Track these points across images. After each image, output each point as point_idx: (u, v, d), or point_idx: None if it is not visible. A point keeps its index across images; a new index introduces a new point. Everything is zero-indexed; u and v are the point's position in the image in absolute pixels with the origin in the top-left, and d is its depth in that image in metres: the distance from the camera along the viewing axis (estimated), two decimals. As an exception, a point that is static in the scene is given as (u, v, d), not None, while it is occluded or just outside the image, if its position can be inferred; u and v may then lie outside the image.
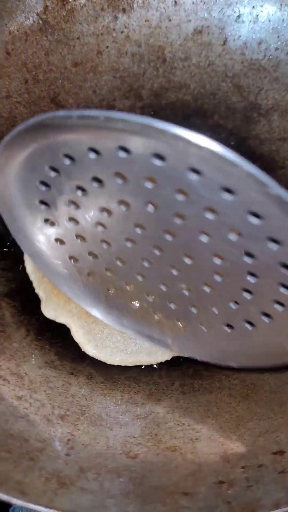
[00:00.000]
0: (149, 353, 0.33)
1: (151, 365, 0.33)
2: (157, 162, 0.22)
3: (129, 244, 0.27)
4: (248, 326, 0.27)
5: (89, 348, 0.34)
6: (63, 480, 0.23)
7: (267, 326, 0.25)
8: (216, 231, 0.23)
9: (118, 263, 0.28)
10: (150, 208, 0.24)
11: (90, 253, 0.29)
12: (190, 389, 0.32)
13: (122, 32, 0.44)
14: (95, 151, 0.23)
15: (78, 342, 0.34)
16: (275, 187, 0.20)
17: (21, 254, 0.37)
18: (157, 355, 0.33)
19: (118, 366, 0.33)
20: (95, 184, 0.24)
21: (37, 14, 0.42)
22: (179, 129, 0.20)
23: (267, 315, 0.25)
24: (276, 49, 0.43)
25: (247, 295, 0.25)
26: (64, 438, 0.27)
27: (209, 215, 0.22)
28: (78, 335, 0.34)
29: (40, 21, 0.43)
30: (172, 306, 0.29)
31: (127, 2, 0.44)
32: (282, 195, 0.20)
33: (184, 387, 0.32)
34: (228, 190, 0.21)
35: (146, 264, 0.27)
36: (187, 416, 0.29)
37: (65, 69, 0.44)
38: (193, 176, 0.21)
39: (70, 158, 0.24)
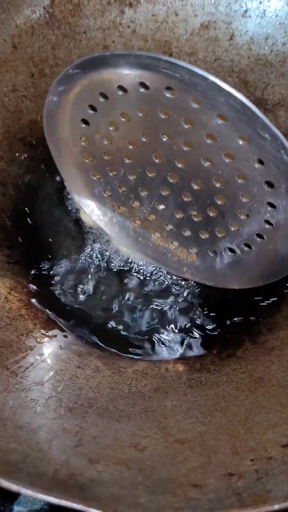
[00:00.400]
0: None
1: (158, 360, 0.33)
2: (169, 94, 0.27)
3: (149, 174, 0.33)
4: (246, 248, 0.32)
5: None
6: (72, 471, 0.23)
7: (260, 246, 0.32)
8: (215, 155, 0.29)
9: (143, 193, 0.34)
10: (166, 138, 0.30)
11: (120, 187, 0.35)
12: (197, 383, 0.32)
13: (128, 26, 0.44)
14: (123, 89, 0.29)
15: None
16: (258, 113, 0.26)
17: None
18: None
19: (125, 359, 0.33)
20: (122, 119, 0.31)
21: (44, 8, 0.42)
22: (184, 63, 0.26)
23: (260, 236, 0.31)
24: (284, 44, 0.43)
25: (244, 218, 0.31)
26: (72, 430, 0.27)
27: (209, 141, 0.28)
28: None
29: (47, 15, 0.42)
30: (186, 233, 0.35)
31: (134, -4, 0.44)
32: (264, 120, 0.26)
33: (192, 381, 0.32)
34: (222, 117, 0.27)
35: (163, 193, 0.33)
36: (194, 410, 0.29)
37: (71, 63, 0.43)
38: (195, 105, 0.27)
39: (104, 96, 0.30)
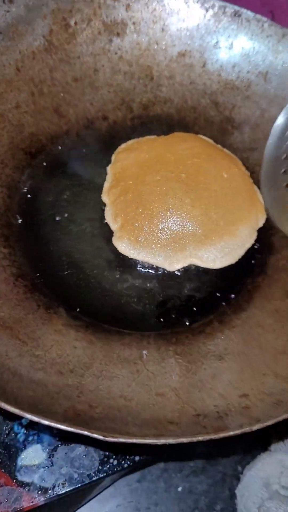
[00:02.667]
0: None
1: (142, 334, 0.40)
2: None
3: None
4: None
5: (219, 263, 0.45)
6: (78, 412, 0.30)
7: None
8: None
9: None
10: None
11: None
12: (173, 353, 0.39)
13: (116, 53, 0.51)
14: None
15: (208, 266, 0.45)
16: None
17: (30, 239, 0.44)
18: None
19: (115, 334, 0.40)
20: None
21: (43, 36, 0.49)
22: None
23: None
24: (248, 71, 0.50)
25: None
26: (74, 385, 0.33)
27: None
28: (206, 260, 0.45)
29: (46, 42, 0.49)
30: None
31: (121, 28, 0.51)
32: None
33: (169, 351, 0.39)
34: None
35: None
36: (171, 372, 0.36)
37: (66, 84, 0.50)
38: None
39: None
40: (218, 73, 0.51)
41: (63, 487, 0.41)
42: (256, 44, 0.49)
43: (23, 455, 0.42)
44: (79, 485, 0.41)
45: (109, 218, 0.46)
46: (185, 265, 0.44)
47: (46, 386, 0.32)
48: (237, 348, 0.38)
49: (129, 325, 0.41)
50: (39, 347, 0.36)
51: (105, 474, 0.42)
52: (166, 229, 0.44)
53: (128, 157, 0.48)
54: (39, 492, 0.41)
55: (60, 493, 0.41)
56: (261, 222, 0.47)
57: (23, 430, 0.43)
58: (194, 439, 0.28)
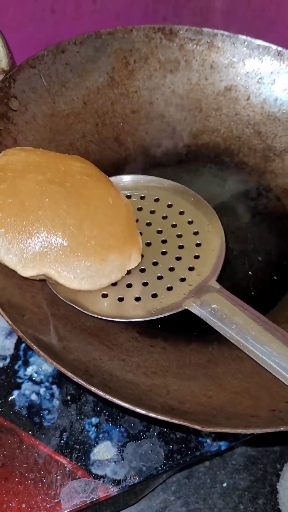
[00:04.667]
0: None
1: (206, 340, 0.46)
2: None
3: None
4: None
5: (76, 284, 0.41)
6: (171, 407, 0.35)
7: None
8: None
9: None
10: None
11: None
12: (236, 357, 0.44)
13: (169, 87, 0.57)
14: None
15: (64, 284, 0.40)
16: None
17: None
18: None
19: (182, 340, 0.45)
20: None
21: (107, 73, 0.54)
22: None
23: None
24: (289, 105, 0.56)
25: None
26: (160, 385, 0.38)
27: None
28: (64, 276, 0.40)
29: (109, 78, 0.55)
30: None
31: (174, 65, 0.56)
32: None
33: (232, 355, 0.44)
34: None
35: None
36: (238, 373, 0.41)
37: (125, 115, 0.55)
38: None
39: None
40: (261, 105, 0.56)
41: (134, 479, 0.46)
42: (296, 80, 0.55)
43: (95, 450, 0.47)
44: (148, 476, 0.46)
45: None
46: (40, 273, 0.40)
47: (139, 385, 0.37)
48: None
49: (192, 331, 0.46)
50: (123, 352, 0.41)
51: (170, 467, 0.47)
52: (30, 229, 0.40)
53: (18, 154, 0.44)
54: (113, 483, 0.46)
55: (131, 484, 0.46)
56: (133, 263, 0.46)
57: (93, 429, 0.48)
58: (277, 429, 0.33)
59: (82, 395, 0.49)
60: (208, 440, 0.47)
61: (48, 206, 0.40)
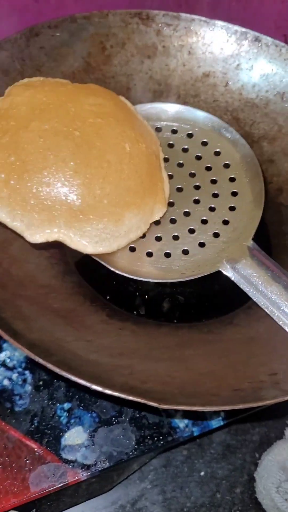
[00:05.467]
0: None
1: (177, 326, 0.45)
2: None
3: None
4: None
5: (91, 249, 0.38)
6: (131, 386, 0.35)
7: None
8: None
9: None
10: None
11: None
12: (206, 341, 0.44)
13: (146, 73, 0.56)
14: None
15: (77, 249, 0.38)
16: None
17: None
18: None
19: (152, 325, 0.45)
20: None
21: (82, 58, 0.54)
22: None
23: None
24: (266, 91, 0.55)
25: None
26: (125, 365, 0.38)
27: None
28: (76, 241, 0.38)
29: (85, 63, 0.54)
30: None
31: (151, 51, 0.56)
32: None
33: (202, 339, 0.44)
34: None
35: None
36: (206, 356, 0.41)
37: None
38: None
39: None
40: (239, 92, 0.56)
41: (103, 463, 0.46)
42: (274, 67, 0.54)
43: (66, 435, 0.47)
44: (118, 461, 0.46)
45: None
46: (50, 240, 0.38)
47: (101, 365, 0.37)
48: (263, 335, 0.43)
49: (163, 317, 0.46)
50: (90, 334, 0.41)
51: (142, 452, 0.46)
52: (35, 191, 0.37)
53: (22, 94, 0.40)
54: (82, 468, 0.45)
55: (101, 469, 0.45)
56: (157, 215, 0.42)
57: (65, 414, 0.47)
58: (235, 407, 0.32)
59: (55, 380, 0.49)
60: (181, 426, 0.47)
61: (53, 164, 0.37)
